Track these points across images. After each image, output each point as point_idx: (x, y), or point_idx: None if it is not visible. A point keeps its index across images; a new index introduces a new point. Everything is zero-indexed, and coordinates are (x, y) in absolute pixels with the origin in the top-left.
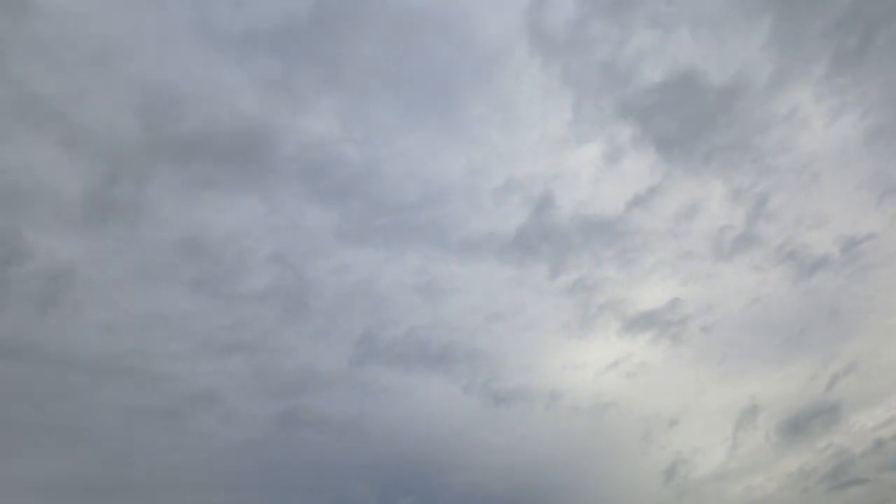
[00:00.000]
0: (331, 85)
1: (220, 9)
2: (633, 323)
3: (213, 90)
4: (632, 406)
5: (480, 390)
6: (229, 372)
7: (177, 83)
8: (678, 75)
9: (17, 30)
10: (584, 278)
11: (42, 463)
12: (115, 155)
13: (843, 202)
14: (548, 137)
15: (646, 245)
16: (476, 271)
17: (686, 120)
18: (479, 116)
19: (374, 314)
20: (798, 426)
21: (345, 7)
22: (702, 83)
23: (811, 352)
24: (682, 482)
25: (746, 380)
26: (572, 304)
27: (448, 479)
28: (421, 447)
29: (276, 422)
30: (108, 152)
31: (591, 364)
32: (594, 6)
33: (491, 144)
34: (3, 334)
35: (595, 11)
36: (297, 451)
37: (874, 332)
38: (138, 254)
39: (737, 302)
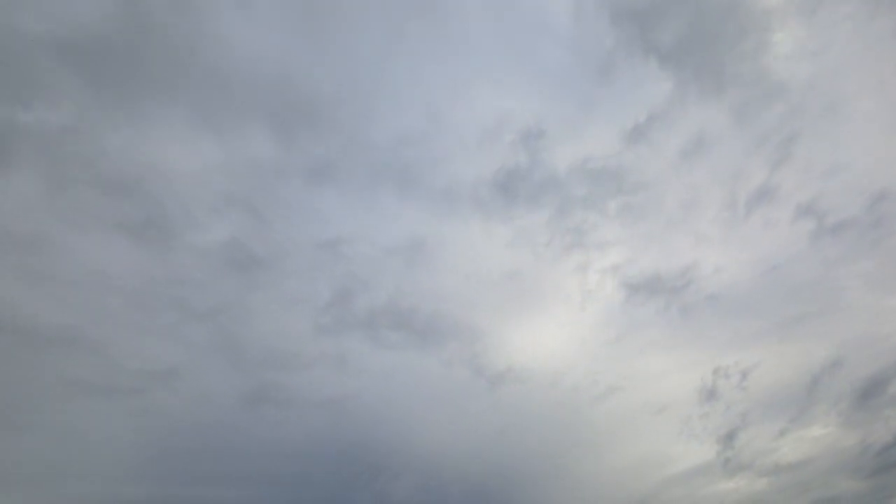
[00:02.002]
0: None
1: None
2: (637, 289)
3: None
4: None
5: (473, 369)
6: (187, 343)
7: None
8: None
9: None
10: (583, 239)
11: None
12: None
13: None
14: (543, 58)
15: (651, 199)
16: (464, 229)
17: (691, 26)
18: (466, 30)
19: (349, 278)
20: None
21: None
22: None
23: None
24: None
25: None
26: (571, 268)
27: (439, 474)
28: (405, 435)
29: (242, 402)
30: None
31: (590, 340)
32: None
33: (479, 68)
34: None
35: None
36: (267, 435)
37: None
38: (62, 197)
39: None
